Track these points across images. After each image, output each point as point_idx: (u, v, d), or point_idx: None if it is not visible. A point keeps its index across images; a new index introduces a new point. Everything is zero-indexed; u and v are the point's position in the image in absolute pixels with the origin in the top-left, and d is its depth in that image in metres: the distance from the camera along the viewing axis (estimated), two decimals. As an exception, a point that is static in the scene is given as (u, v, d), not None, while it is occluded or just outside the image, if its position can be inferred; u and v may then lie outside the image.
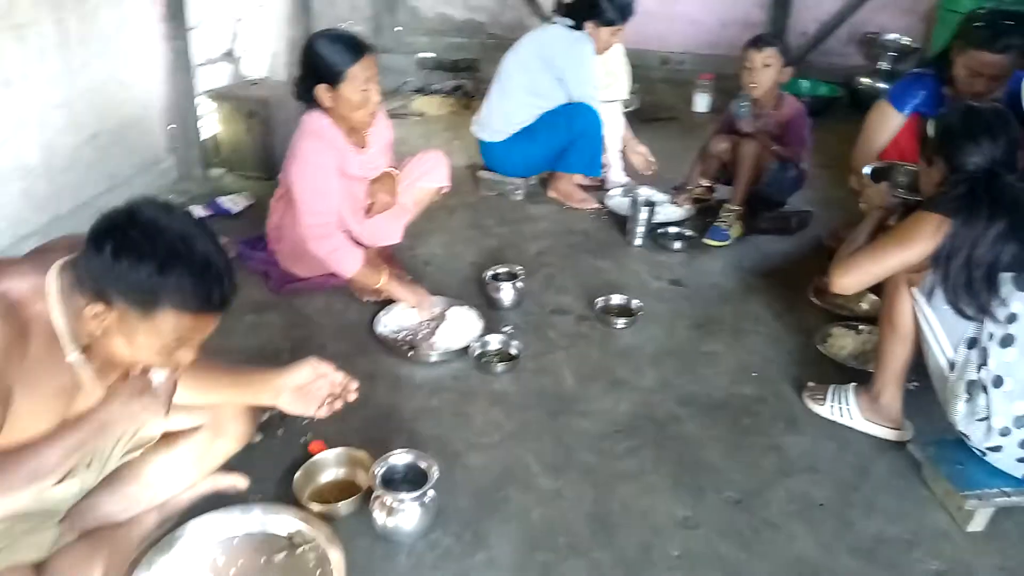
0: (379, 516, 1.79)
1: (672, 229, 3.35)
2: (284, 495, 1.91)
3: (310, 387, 1.66)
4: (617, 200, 3.61)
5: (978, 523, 1.92)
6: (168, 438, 1.72)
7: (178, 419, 1.71)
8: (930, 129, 2.15)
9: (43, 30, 2.78)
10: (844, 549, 1.87)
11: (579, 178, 3.67)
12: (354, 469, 2.01)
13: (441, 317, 2.66)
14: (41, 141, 2.84)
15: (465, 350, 2.51)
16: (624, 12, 3.44)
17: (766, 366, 2.54)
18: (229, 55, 4.10)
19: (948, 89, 2.86)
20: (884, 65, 5.08)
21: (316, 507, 1.86)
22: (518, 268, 2.85)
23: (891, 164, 2.73)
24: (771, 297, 2.93)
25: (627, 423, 2.26)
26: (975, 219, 1.88)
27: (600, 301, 2.79)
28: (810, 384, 2.37)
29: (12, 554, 1.46)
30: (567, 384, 2.42)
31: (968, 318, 1.92)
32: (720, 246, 3.27)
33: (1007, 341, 1.86)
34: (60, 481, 1.56)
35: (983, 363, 1.89)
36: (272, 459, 2.04)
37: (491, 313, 2.72)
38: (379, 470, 1.83)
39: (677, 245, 3.27)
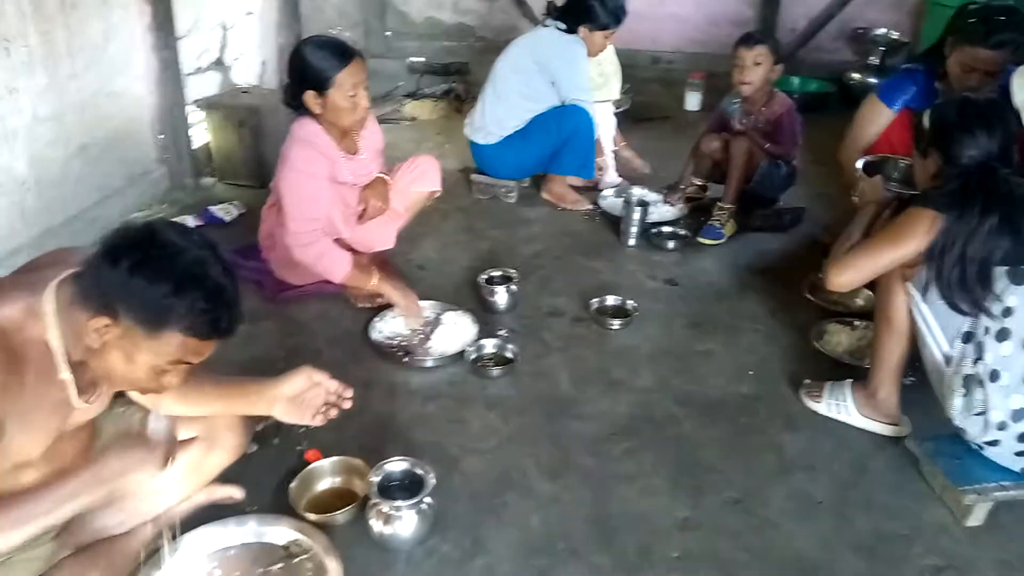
0: (376, 524, 1.79)
1: (666, 228, 3.34)
2: (281, 505, 1.90)
3: (305, 396, 1.66)
4: (610, 201, 3.60)
5: (977, 517, 1.92)
6: (163, 450, 1.71)
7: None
8: (925, 121, 2.14)
9: (30, 42, 2.77)
10: (844, 546, 1.87)
11: (572, 179, 3.67)
12: (351, 477, 2.00)
13: (436, 322, 2.65)
14: (30, 154, 2.83)
15: (460, 355, 2.50)
16: (617, 16, 3.45)
17: (762, 364, 2.54)
18: (218, 63, 4.08)
19: (940, 84, 2.86)
20: (874, 60, 5.08)
21: (313, 516, 1.85)
22: (512, 271, 2.84)
23: (884, 157, 2.73)
24: (766, 294, 2.93)
25: (625, 425, 2.26)
26: (968, 214, 1.88)
27: (595, 302, 2.79)
28: (807, 381, 2.37)
29: (7, 571, 1.45)
30: (563, 387, 2.42)
31: (963, 313, 1.91)
32: (714, 244, 3.27)
33: (1003, 335, 1.86)
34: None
35: (979, 357, 1.89)
36: (268, 469, 2.02)
37: (486, 317, 2.71)
38: (375, 478, 1.82)
39: (671, 244, 3.27)
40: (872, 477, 2.08)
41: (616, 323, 2.70)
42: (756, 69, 3.20)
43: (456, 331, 2.61)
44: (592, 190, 3.71)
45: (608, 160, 3.82)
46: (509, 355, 2.51)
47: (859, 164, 2.66)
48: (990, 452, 1.95)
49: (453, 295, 2.86)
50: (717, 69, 4.64)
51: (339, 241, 2.65)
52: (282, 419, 1.67)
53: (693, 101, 4.96)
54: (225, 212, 3.40)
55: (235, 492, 1.85)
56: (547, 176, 3.66)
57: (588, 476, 2.06)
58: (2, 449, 1.31)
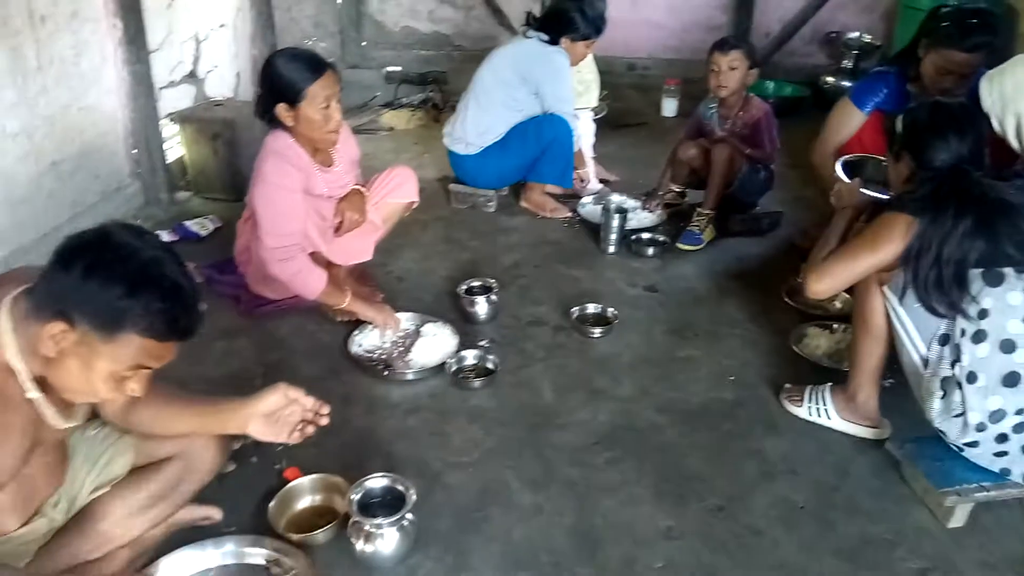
0: (357, 542, 1.76)
1: (645, 235, 3.35)
2: (260, 525, 1.87)
3: (281, 413, 1.64)
4: (589, 208, 3.60)
5: (958, 519, 1.93)
6: (138, 472, 1.68)
7: (147, 451, 1.67)
8: (898, 124, 2.16)
9: (-3, 58, 2.73)
10: (827, 551, 1.87)
11: (551, 187, 3.67)
12: (331, 495, 1.98)
13: (416, 334, 2.64)
14: (-1, 171, 2.78)
15: (441, 367, 2.49)
16: (598, 26, 3.46)
17: (743, 369, 2.54)
18: (192, 76, 4.04)
19: (913, 86, 2.89)
20: (847, 63, 5.13)
21: (293, 536, 1.82)
22: (492, 281, 2.83)
23: (863, 157, 2.74)
24: (745, 299, 2.94)
25: (607, 434, 2.25)
26: (942, 217, 1.89)
27: (576, 311, 2.78)
28: (787, 386, 2.37)
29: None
30: (545, 397, 2.41)
31: (940, 315, 1.92)
32: (693, 250, 3.27)
33: (979, 337, 1.87)
34: (27, 522, 1.53)
35: (956, 359, 1.90)
36: (246, 488, 1.99)
37: (466, 328, 2.69)
38: (355, 495, 1.80)
39: (651, 251, 3.27)
40: (854, 481, 2.08)
41: (597, 331, 2.70)
42: (732, 74, 3.21)
43: (436, 343, 2.59)
44: (571, 198, 3.71)
45: (590, 169, 3.82)
46: (490, 366, 2.50)
47: (838, 165, 2.68)
48: (970, 453, 1.95)
49: (433, 306, 2.84)
50: (692, 75, 4.66)
51: (316, 254, 2.63)
52: (258, 437, 1.64)
53: (670, 107, 4.98)
54: (201, 227, 3.36)
55: (213, 512, 1.83)
56: (526, 184, 3.65)
57: (571, 487, 2.05)
58: None
